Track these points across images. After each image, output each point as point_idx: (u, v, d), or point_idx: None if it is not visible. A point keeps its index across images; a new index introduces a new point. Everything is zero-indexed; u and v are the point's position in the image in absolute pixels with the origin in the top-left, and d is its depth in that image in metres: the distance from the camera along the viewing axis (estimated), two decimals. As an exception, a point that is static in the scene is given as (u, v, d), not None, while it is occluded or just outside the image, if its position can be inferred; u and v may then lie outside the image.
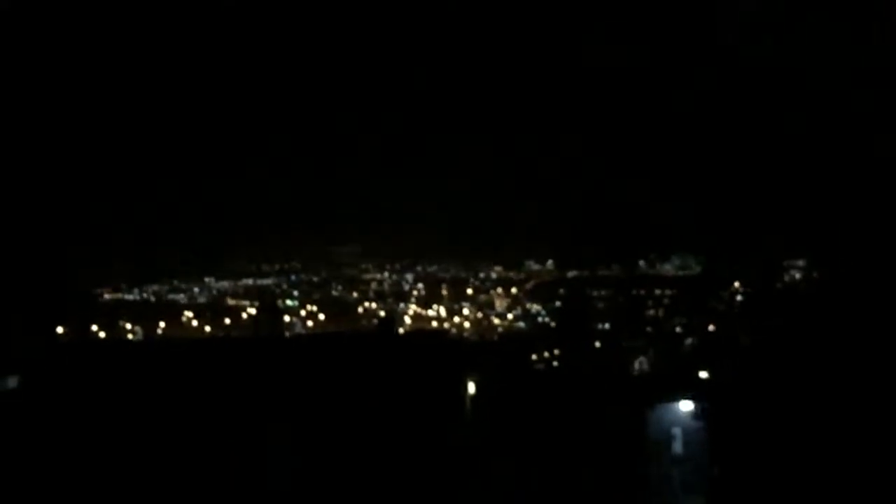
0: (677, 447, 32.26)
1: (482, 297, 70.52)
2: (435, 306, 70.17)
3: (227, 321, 67.83)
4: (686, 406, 32.21)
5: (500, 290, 70.48)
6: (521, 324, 66.84)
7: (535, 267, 70.84)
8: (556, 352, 51.84)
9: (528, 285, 70.09)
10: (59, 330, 54.21)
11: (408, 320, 68.21)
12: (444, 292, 71.10)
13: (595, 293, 61.30)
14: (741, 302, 47.31)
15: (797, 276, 37.50)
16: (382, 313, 65.99)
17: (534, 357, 51.03)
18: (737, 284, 52.34)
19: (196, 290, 71.95)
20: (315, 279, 72.18)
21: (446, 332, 61.90)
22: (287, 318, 68.41)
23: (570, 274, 67.25)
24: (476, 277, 71.53)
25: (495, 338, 63.46)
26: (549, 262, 69.70)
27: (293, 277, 72.49)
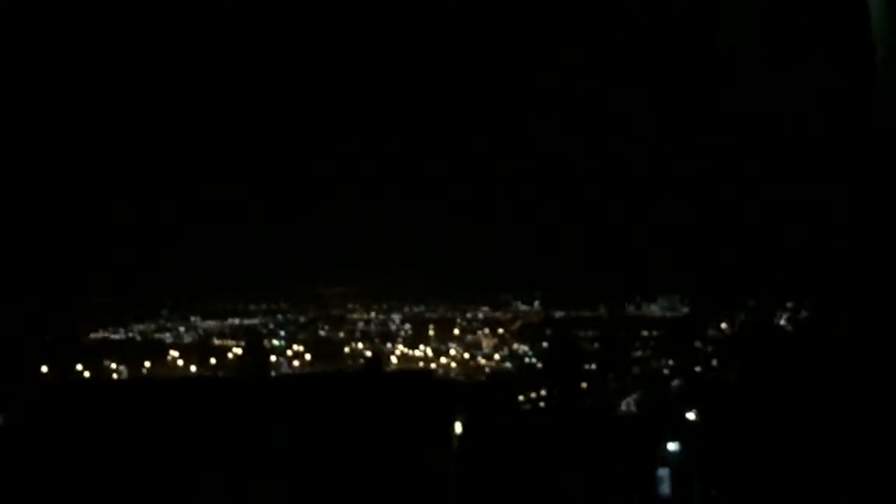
0: (664, 488, 32.17)
1: (469, 337, 70.45)
2: (422, 346, 70.05)
3: (213, 361, 67.54)
4: (673, 447, 32.15)
5: (486, 330, 70.42)
6: (508, 364, 66.72)
7: (522, 307, 70.86)
8: (543, 392, 51.76)
9: (515, 326, 70.06)
10: (44, 369, 53.92)
11: (394, 360, 68.05)
12: (431, 332, 71.01)
13: (582, 334, 61.29)
14: (728, 343, 47.36)
15: (784, 317, 37.57)
16: (369, 353, 65.84)
17: (521, 398, 50.93)
18: (724, 326, 52.49)
19: (182, 329, 71.67)
20: (302, 319, 72.03)
21: (433, 372, 61.68)
22: (273, 358, 68.20)
23: (557, 314, 67.28)
24: (463, 318, 71.49)
25: (482, 378, 63.30)
26: (536, 303, 69.74)
27: (280, 317, 72.33)
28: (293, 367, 67.77)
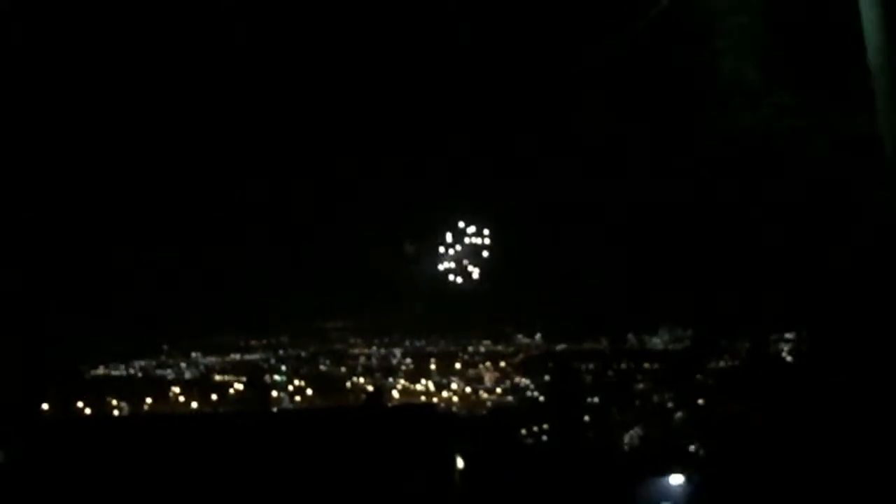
0: (668, 522, 32.03)
1: (471, 371, 70.38)
2: (423, 381, 69.97)
3: (215, 397, 67.48)
4: (676, 480, 32.03)
5: (488, 364, 70.36)
6: (510, 398, 66.62)
7: (524, 341, 70.81)
8: (545, 426, 51.62)
9: (517, 359, 70.00)
10: (45, 406, 53.82)
11: (396, 395, 67.94)
12: (433, 366, 70.94)
13: (584, 367, 61.19)
14: (730, 375, 47.28)
15: (786, 349, 37.53)
16: (371, 388, 65.78)
17: (523, 431, 50.80)
18: (725, 358, 52.41)
19: (183, 365, 71.66)
20: (303, 354, 71.98)
21: (435, 406, 61.51)
22: (274, 394, 68.12)
23: (559, 347, 67.20)
24: (464, 351, 71.44)
25: (484, 412, 63.20)
26: (538, 336, 69.68)
27: (281, 352, 72.27)
28: (294, 403, 67.69)
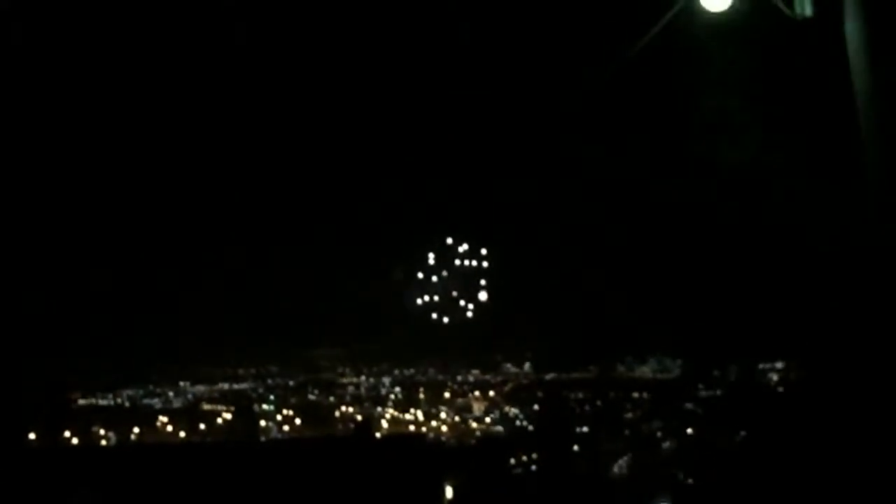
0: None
1: (460, 400, 70.22)
2: (412, 410, 69.79)
3: (203, 426, 67.15)
4: (665, 509, 32.02)
5: (477, 393, 70.23)
6: (499, 427, 66.47)
7: (513, 370, 70.73)
8: (535, 455, 51.52)
9: (506, 388, 69.89)
10: (31, 436, 53.53)
11: (385, 424, 67.74)
12: (422, 396, 70.78)
13: (573, 396, 61.13)
14: (718, 404, 47.27)
15: (774, 377, 37.57)
16: (359, 417, 65.57)
17: (512, 461, 50.69)
18: (714, 387, 52.41)
19: (171, 394, 71.33)
20: (291, 383, 71.75)
21: (424, 436, 61.41)
22: (263, 423, 67.85)
23: (548, 377, 67.14)
24: (453, 381, 71.31)
25: (473, 441, 63.03)
26: (527, 365, 69.62)
27: (269, 381, 72.03)
28: (283, 432, 67.41)
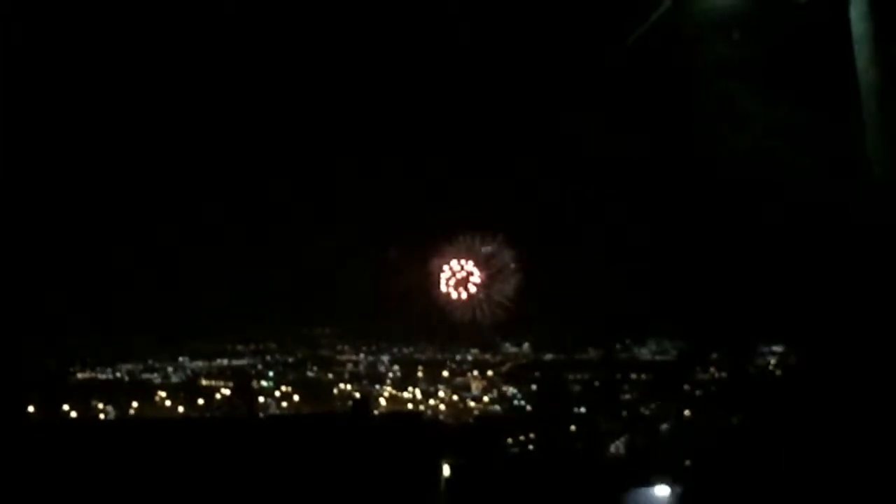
0: (653, 532, 32.06)
1: (458, 379, 70.27)
2: (410, 388, 69.86)
3: (201, 402, 67.25)
4: (662, 490, 32.07)
5: (475, 372, 70.26)
6: (497, 407, 66.54)
7: (512, 350, 70.74)
8: (532, 435, 51.62)
9: (504, 368, 69.93)
10: (30, 409, 53.61)
11: (383, 402, 67.84)
12: (420, 374, 70.84)
13: (571, 377, 61.18)
14: (717, 387, 47.31)
15: (773, 361, 37.58)
16: (358, 395, 65.65)
17: (509, 440, 50.79)
18: (712, 369, 52.46)
19: (170, 369, 71.37)
20: (290, 360, 71.78)
21: (422, 414, 61.53)
22: (261, 399, 67.93)
23: (547, 357, 67.17)
24: (452, 360, 71.33)
25: (471, 420, 63.12)
26: (526, 345, 69.63)
27: (268, 358, 72.06)
28: (281, 408, 67.50)
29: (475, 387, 69.42)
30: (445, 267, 35.28)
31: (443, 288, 35.03)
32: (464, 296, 34.69)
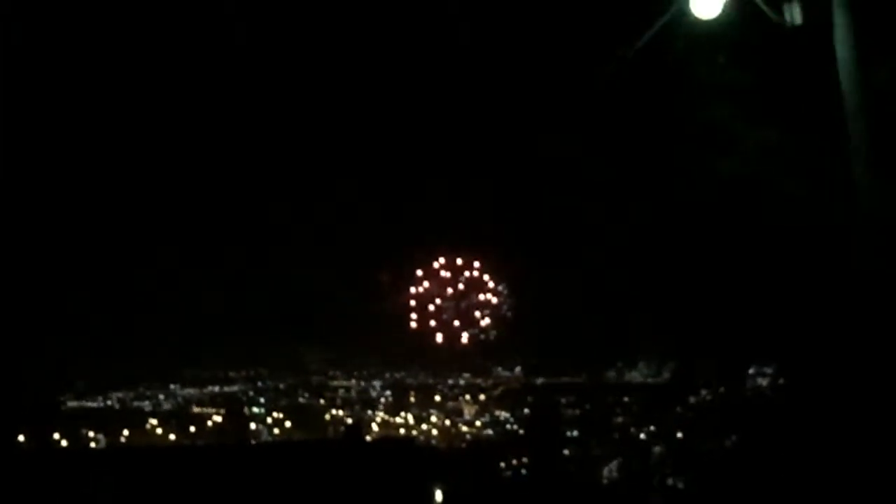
0: (647, 556, 32.03)
1: (450, 404, 70.27)
2: (403, 413, 69.81)
3: (193, 429, 67.09)
4: (655, 514, 32.07)
5: (468, 397, 70.28)
6: (490, 431, 66.52)
7: (504, 374, 70.76)
8: (525, 459, 51.55)
9: (496, 392, 69.93)
10: (20, 438, 53.41)
11: (375, 428, 67.76)
12: (412, 399, 70.80)
13: (563, 400, 61.14)
14: (709, 409, 47.26)
15: (763, 382, 37.60)
16: (350, 421, 65.58)
17: (502, 464, 50.72)
18: (704, 392, 52.42)
19: (161, 397, 71.25)
20: (282, 386, 71.72)
21: (414, 439, 61.46)
22: (253, 426, 67.82)
23: (539, 381, 67.17)
24: (444, 384, 71.33)
25: (463, 445, 63.08)
26: (517, 369, 69.65)
27: (260, 384, 71.98)
28: (273, 435, 67.37)
29: (467, 411, 69.40)
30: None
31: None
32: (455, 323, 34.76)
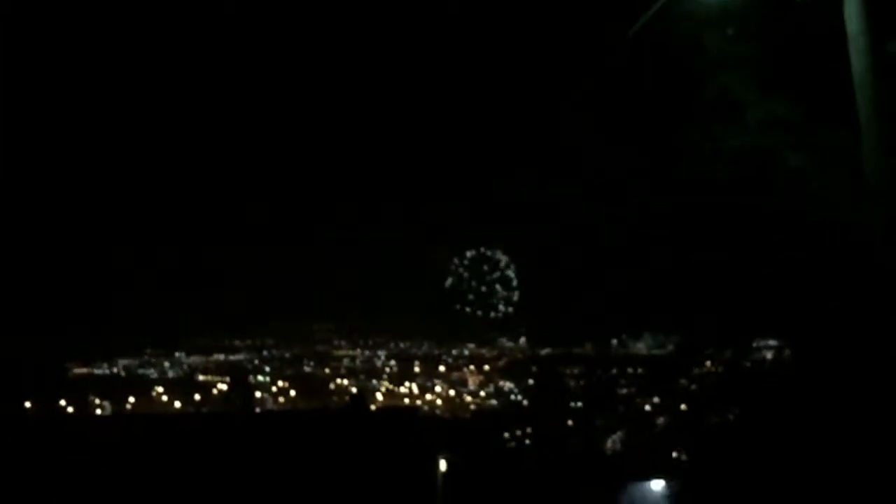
0: (649, 527, 32.14)
1: (455, 374, 70.46)
2: (407, 383, 70.01)
3: (198, 397, 67.38)
4: (658, 485, 32.13)
5: (472, 367, 70.45)
6: (494, 401, 66.71)
7: (508, 345, 70.89)
8: (529, 430, 51.69)
9: (501, 363, 70.08)
10: (28, 404, 53.65)
11: (380, 397, 67.98)
12: (417, 369, 70.98)
13: (568, 371, 61.26)
14: (713, 381, 47.25)
15: (768, 355, 37.62)
16: (354, 390, 65.79)
17: (506, 435, 50.86)
18: (708, 364, 52.42)
19: (167, 365, 71.53)
20: (287, 355, 71.95)
21: (418, 409, 61.64)
22: (258, 394, 68.07)
23: (543, 352, 67.32)
24: (448, 355, 71.49)
25: (467, 415, 63.25)
26: (522, 340, 69.77)
27: (265, 353, 72.22)
28: (278, 403, 67.63)
29: (472, 382, 69.58)
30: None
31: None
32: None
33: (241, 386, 67.58)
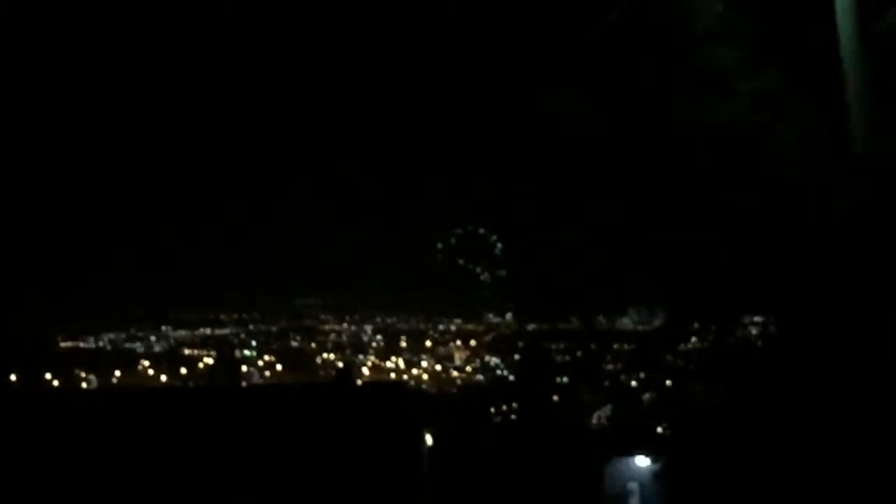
0: (634, 502, 32.23)
1: (441, 349, 70.54)
2: (394, 358, 70.05)
3: (184, 371, 67.34)
4: (643, 461, 32.22)
5: (458, 342, 70.51)
6: (480, 376, 66.82)
7: (495, 320, 70.94)
8: (515, 405, 51.82)
9: (487, 338, 70.16)
10: (12, 378, 53.54)
11: (366, 372, 68.02)
12: (403, 344, 71.01)
13: (554, 347, 61.35)
14: (699, 357, 47.35)
15: (754, 331, 37.70)
16: (340, 364, 65.81)
17: (492, 410, 50.98)
18: (694, 339, 52.48)
19: (153, 339, 71.41)
20: (273, 329, 71.91)
21: (405, 384, 61.73)
22: (244, 368, 68.05)
23: (530, 327, 67.38)
24: (435, 330, 71.53)
25: (454, 390, 63.35)
26: (509, 315, 69.82)
27: (251, 327, 72.17)
28: (264, 378, 67.63)
29: (458, 357, 69.68)
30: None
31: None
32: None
33: (227, 360, 67.56)
